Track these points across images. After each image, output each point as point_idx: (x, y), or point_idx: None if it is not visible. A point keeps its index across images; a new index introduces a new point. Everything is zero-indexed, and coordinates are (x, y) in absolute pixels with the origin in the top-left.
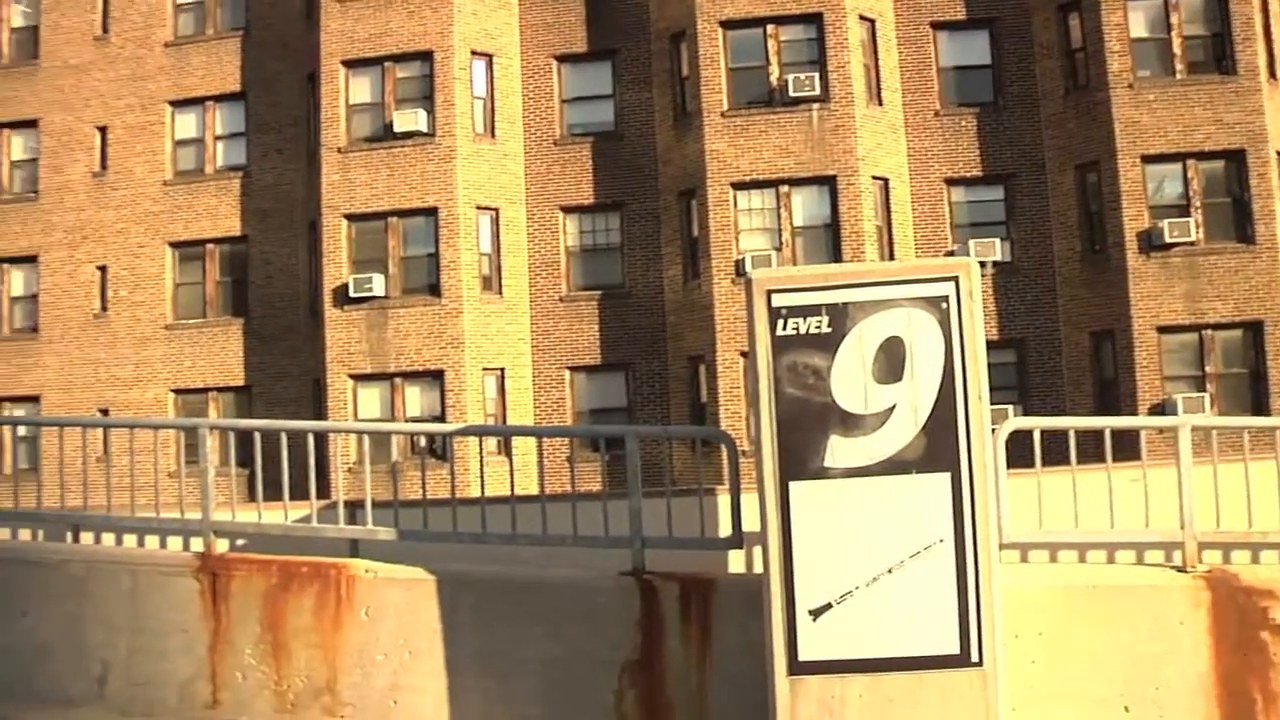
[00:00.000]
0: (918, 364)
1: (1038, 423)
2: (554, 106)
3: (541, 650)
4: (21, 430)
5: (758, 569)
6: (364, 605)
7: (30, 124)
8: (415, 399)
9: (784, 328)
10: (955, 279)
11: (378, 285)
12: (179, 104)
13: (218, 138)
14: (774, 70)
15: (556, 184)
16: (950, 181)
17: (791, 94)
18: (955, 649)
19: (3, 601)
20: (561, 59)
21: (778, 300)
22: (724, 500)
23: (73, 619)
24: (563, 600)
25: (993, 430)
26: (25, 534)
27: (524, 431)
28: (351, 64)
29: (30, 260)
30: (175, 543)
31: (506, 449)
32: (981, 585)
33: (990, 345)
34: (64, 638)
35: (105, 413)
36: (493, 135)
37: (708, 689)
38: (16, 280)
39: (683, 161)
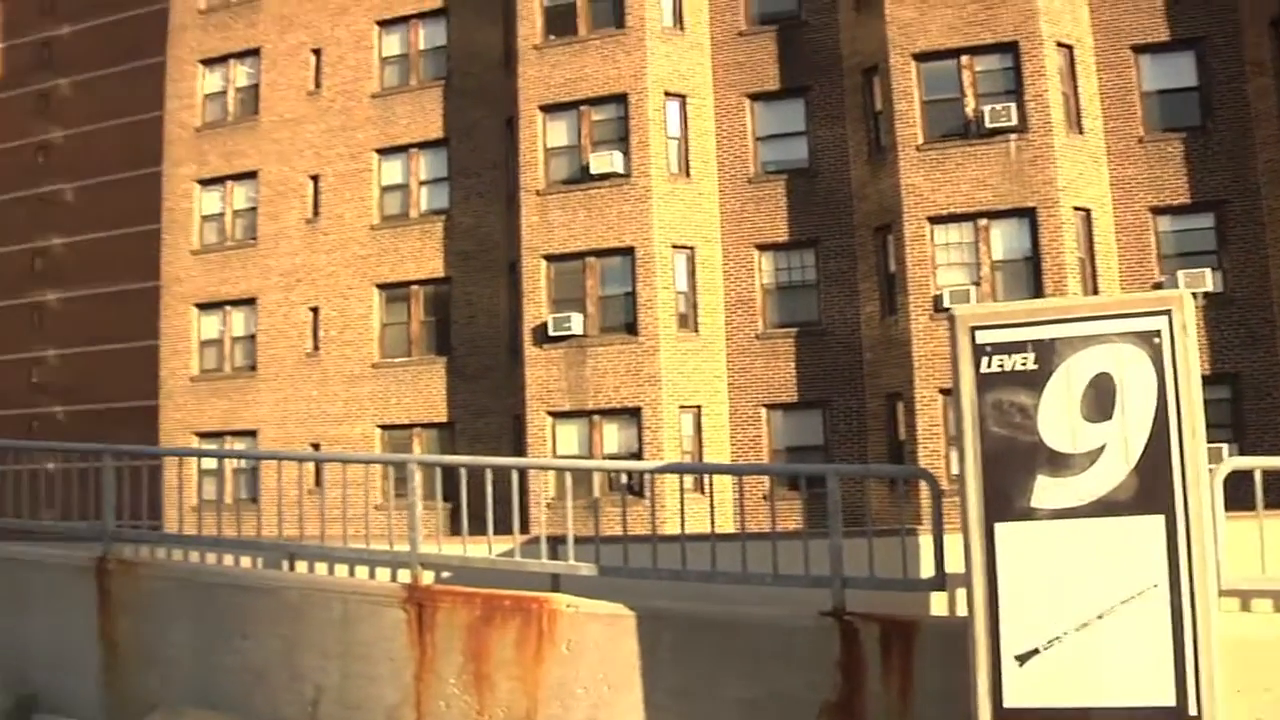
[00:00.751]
0: (1129, 401)
1: (1259, 462)
2: (748, 144)
3: (739, 689)
4: (240, 462)
5: (961, 611)
6: (565, 639)
7: (250, 175)
8: (613, 436)
9: (988, 365)
10: (1168, 312)
11: (576, 324)
12: (385, 152)
13: (422, 183)
14: (969, 101)
15: (751, 222)
16: (1156, 210)
17: (988, 125)
18: (1171, 701)
19: (225, 625)
20: (754, 97)
21: (982, 337)
22: (925, 540)
23: (288, 643)
24: (762, 639)
25: (1210, 470)
26: (246, 561)
27: (724, 470)
28: (548, 108)
29: (250, 303)
30: (383, 573)
31: (703, 486)
32: (1200, 634)
33: (1203, 380)
34: (280, 661)
35: (316, 447)
36: (687, 174)
37: None
38: (237, 321)
39: (878, 196)
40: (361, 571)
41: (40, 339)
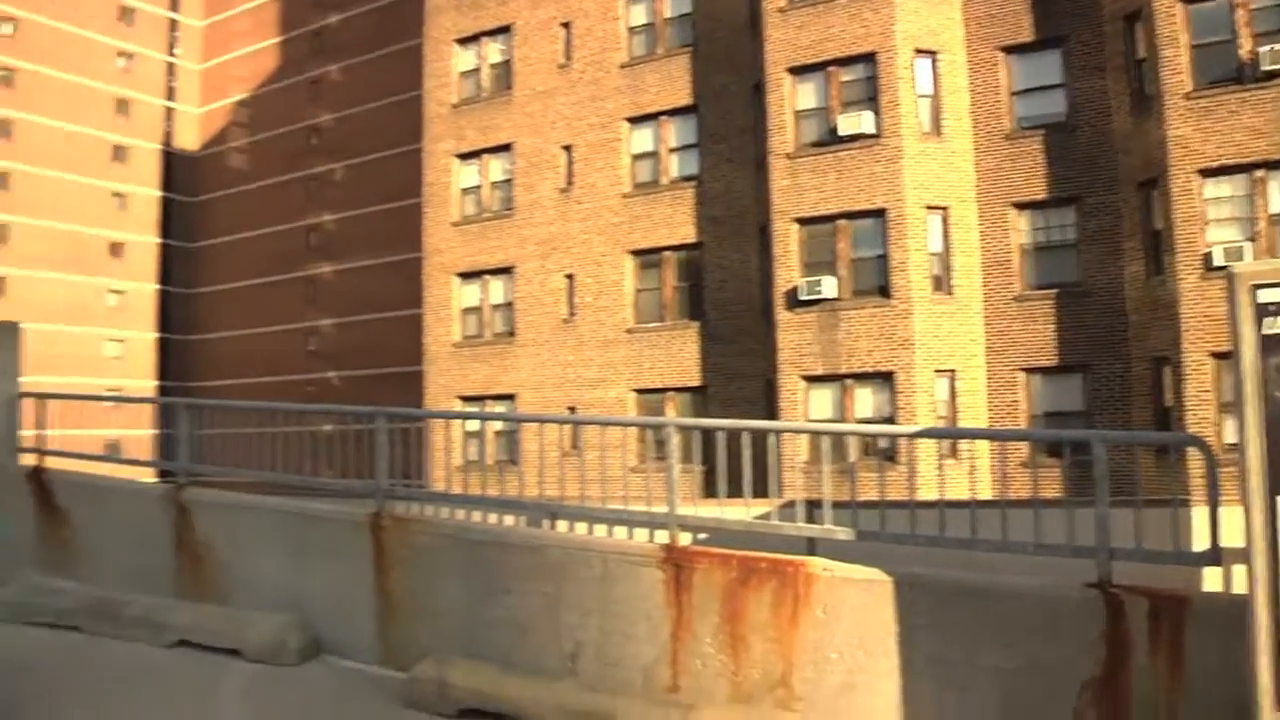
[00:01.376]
0: None
1: None
2: (1002, 100)
3: (997, 658)
4: (501, 424)
5: (1237, 588)
6: (820, 603)
7: (505, 148)
8: (865, 400)
9: (1272, 325)
10: None
11: (828, 288)
12: (635, 120)
13: (671, 150)
14: (1243, 43)
15: (1008, 180)
16: None
17: (1265, 68)
18: None
19: (490, 580)
20: (1008, 50)
21: (1265, 295)
22: (1197, 512)
23: (549, 600)
24: (1022, 609)
25: None
26: (509, 520)
27: (984, 435)
28: (796, 70)
29: (507, 271)
30: (640, 534)
31: (956, 451)
32: None
33: None
34: (541, 616)
35: (572, 410)
36: (939, 133)
37: (1178, 715)
38: (496, 289)
39: (1143, 150)
40: (619, 532)
41: (315, 309)
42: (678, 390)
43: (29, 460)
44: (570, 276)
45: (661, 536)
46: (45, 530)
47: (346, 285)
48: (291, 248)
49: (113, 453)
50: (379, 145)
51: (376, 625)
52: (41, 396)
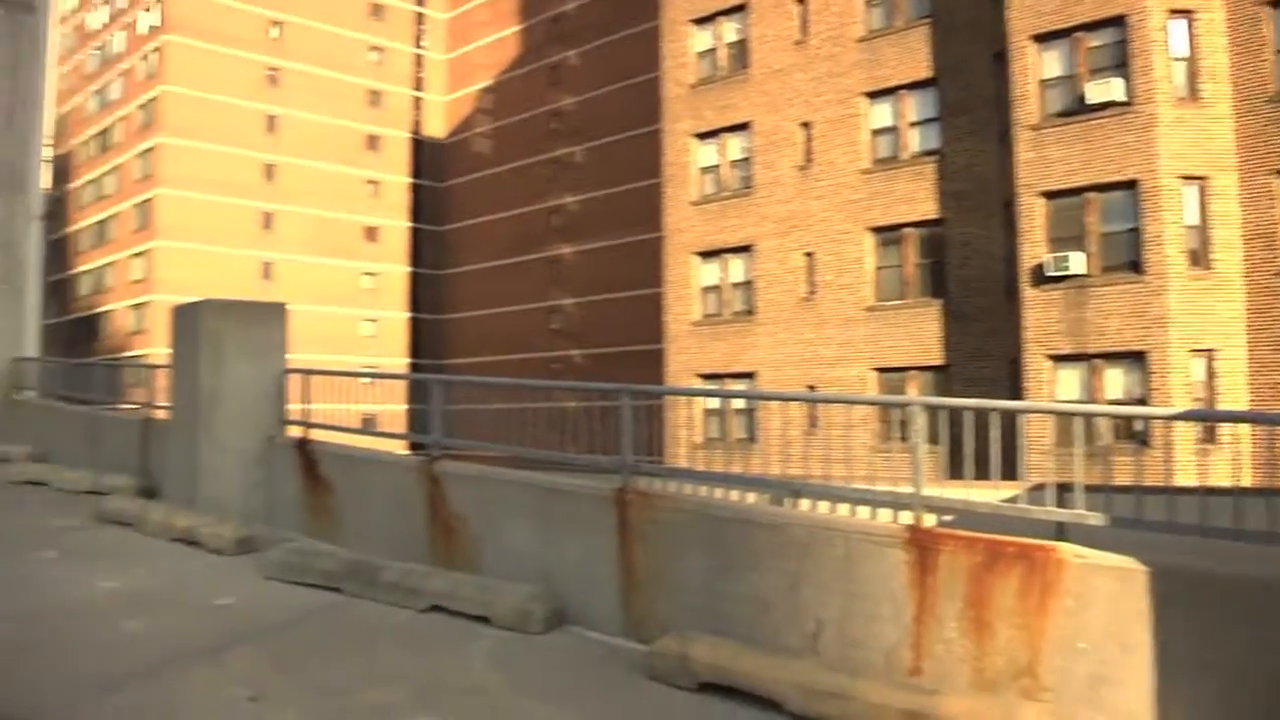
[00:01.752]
0: None
1: None
2: (1267, 60)
3: (1271, 663)
4: (740, 402)
5: None
6: (1070, 591)
7: (743, 126)
8: (1115, 381)
9: None
10: None
11: (1075, 263)
12: (873, 95)
13: (911, 124)
14: None
15: (1272, 146)
16: None
17: None
18: None
19: (732, 557)
20: (1274, 4)
21: None
22: None
23: (791, 578)
24: None
25: None
26: (750, 497)
27: (1248, 418)
28: (1040, 38)
29: (747, 249)
30: (883, 514)
31: (1213, 435)
32: None
33: None
34: (783, 594)
35: (812, 389)
36: (1196, 98)
37: None
38: (736, 268)
39: None
40: (861, 511)
41: (558, 289)
42: (919, 369)
43: (295, 432)
44: (810, 254)
45: (905, 517)
46: (309, 498)
47: (587, 265)
48: (534, 229)
49: (369, 426)
50: (617, 127)
51: (619, 598)
52: (306, 373)
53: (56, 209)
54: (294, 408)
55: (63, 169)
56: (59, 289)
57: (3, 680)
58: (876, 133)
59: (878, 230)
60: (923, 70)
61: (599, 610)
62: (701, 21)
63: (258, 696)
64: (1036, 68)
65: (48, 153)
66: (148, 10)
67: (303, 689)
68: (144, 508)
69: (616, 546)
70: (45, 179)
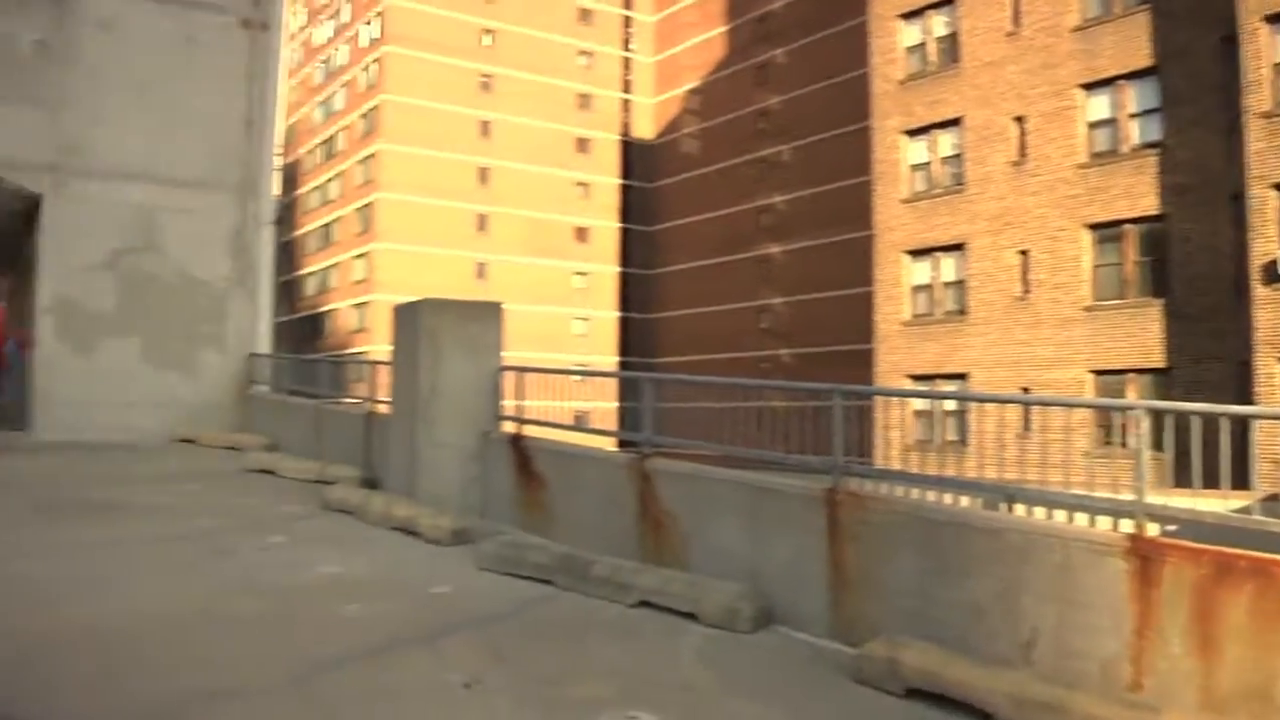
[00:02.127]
0: None
1: None
2: None
3: None
4: (950, 404)
5: None
6: None
7: (954, 122)
8: None
9: None
10: None
11: None
12: (1090, 86)
13: (1131, 116)
14: None
15: None
16: None
17: None
18: None
19: (945, 561)
20: None
21: None
22: None
23: (1005, 584)
24: None
25: None
26: (963, 500)
27: None
28: (1275, 19)
29: (958, 248)
30: (1102, 522)
31: None
32: None
33: None
34: (996, 601)
35: (1026, 391)
36: None
37: None
38: (947, 267)
39: None
40: (1078, 518)
41: (767, 288)
42: (1139, 372)
43: (509, 428)
44: (1024, 252)
45: (1125, 526)
46: (522, 492)
47: (796, 264)
48: (742, 229)
49: (580, 423)
50: (825, 125)
51: (827, 599)
52: (520, 370)
53: (286, 214)
54: (508, 404)
55: (291, 176)
56: (288, 289)
57: (233, 654)
58: (1094, 125)
59: (1095, 227)
60: (1143, 59)
61: (806, 611)
62: (910, 16)
63: (472, 683)
64: (1270, 51)
65: (278, 161)
66: (368, 24)
67: (515, 678)
68: (366, 497)
69: (826, 547)
70: (276, 186)
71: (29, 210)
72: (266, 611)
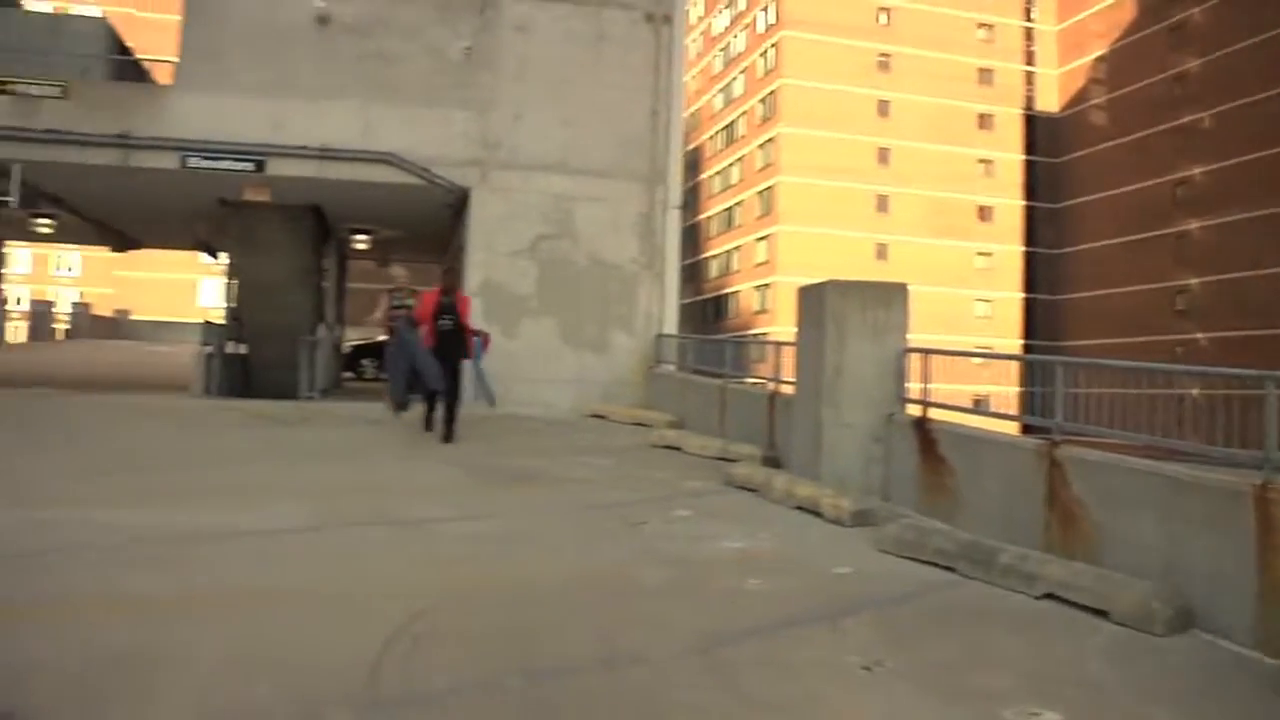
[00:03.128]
0: None
1: None
2: None
3: None
4: None
5: None
6: None
7: None
8: None
9: None
10: None
11: None
12: None
13: None
14: None
15: None
16: None
17: None
18: None
19: None
20: None
21: None
22: None
23: None
24: None
25: None
26: None
27: None
28: None
29: None
30: None
31: None
32: None
33: None
34: None
35: None
36: None
37: None
38: None
39: None
40: None
41: (1183, 267)
42: None
43: (913, 410)
44: None
45: None
46: (925, 475)
47: (1217, 240)
48: (1157, 203)
49: (981, 406)
50: (1254, 87)
51: (1254, 605)
52: (924, 352)
53: (689, 199)
54: (912, 386)
55: (693, 162)
56: (692, 272)
57: (641, 620)
58: None
59: None
60: None
61: (1227, 616)
62: None
63: (871, 666)
64: None
65: (682, 149)
66: (765, 10)
67: (914, 664)
68: (768, 476)
69: (1254, 548)
70: (680, 173)
71: (458, 203)
72: (673, 581)
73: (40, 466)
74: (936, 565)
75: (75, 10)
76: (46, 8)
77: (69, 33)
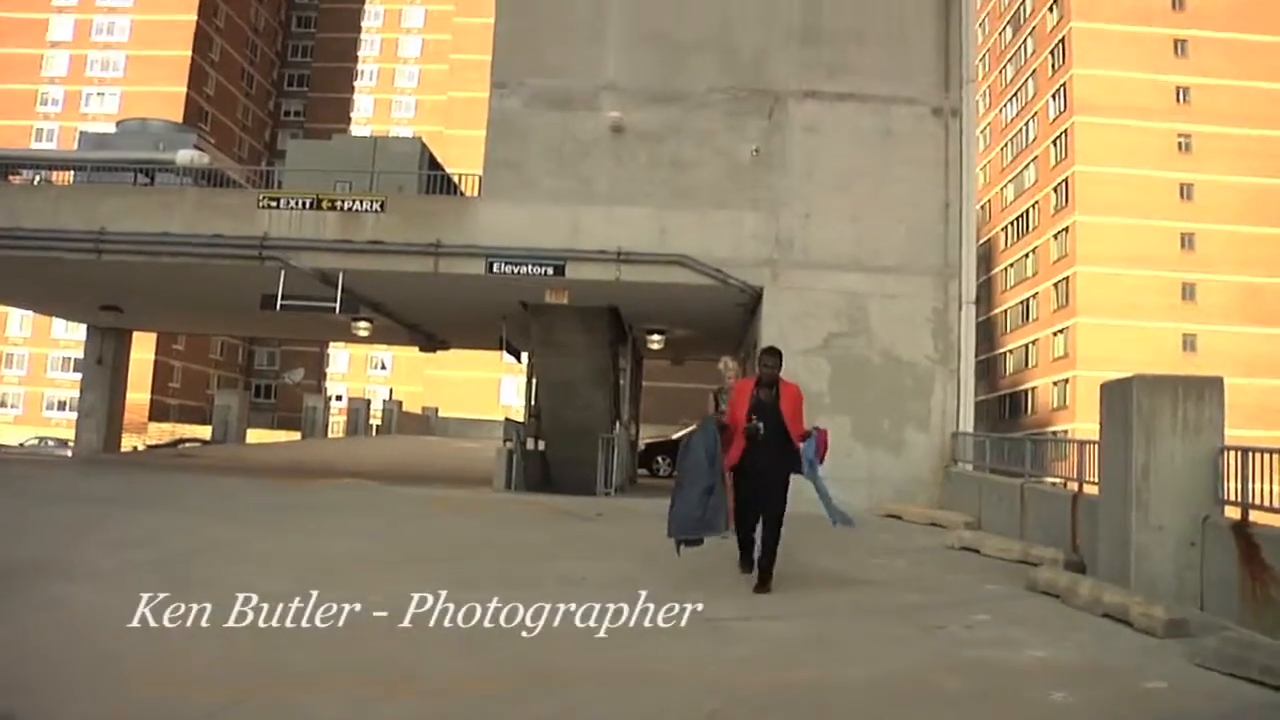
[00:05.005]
0: None
1: None
2: None
3: None
4: None
5: None
6: None
7: None
8: None
9: None
10: None
11: None
12: None
13: None
14: None
15: None
16: None
17: None
18: None
19: None
20: None
21: None
22: None
23: None
24: None
25: None
26: None
27: None
28: None
29: None
30: None
31: None
32: None
33: None
34: None
35: None
36: None
37: None
38: None
39: None
40: None
41: None
42: None
43: (1231, 513)
44: None
45: None
46: (1247, 584)
47: None
48: None
49: None
50: None
51: None
52: (1243, 450)
53: (982, 293)
54: (1230, 487)
55: (985, 255)
56: (986, 368)
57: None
58: None
59: None
60: None
61: None
62: None
63: None
64: None
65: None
66: (1054, 97)
67: None
68: (1072, 580)
69: None
70: (974, 265)
71: (750, 302)
72: (974, 690)
73: (368, 553)
74: (1265, 684)
75: (393, 131)
76: (366, 130)
77: (389, 154)
